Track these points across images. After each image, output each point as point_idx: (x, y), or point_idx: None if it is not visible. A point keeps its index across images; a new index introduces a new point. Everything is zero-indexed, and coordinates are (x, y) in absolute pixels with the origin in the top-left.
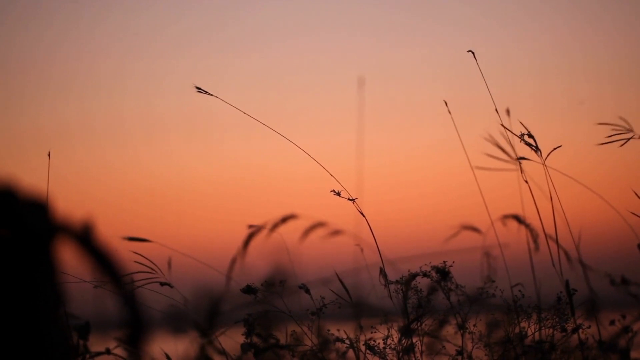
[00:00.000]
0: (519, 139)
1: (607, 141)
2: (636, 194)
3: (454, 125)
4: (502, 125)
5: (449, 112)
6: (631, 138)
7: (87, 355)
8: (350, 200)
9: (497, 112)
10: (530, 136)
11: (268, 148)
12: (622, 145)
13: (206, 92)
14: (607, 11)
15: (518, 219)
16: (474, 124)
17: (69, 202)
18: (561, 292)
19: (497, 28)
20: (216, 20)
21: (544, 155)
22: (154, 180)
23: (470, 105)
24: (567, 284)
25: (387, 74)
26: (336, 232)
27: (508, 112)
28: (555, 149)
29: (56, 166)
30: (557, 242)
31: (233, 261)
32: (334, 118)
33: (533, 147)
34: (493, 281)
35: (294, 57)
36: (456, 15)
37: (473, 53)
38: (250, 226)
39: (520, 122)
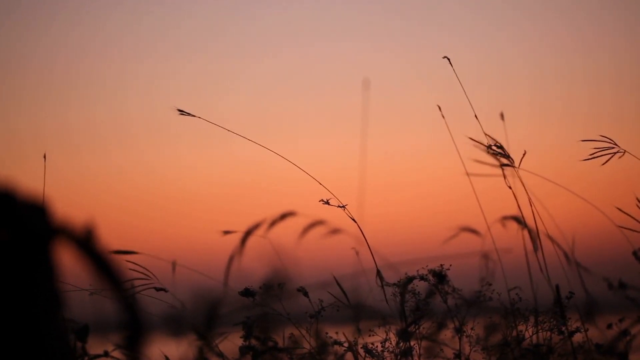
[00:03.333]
0: (487, 150)
1: (589, 157)
2: (621, 210)
3: (448, 129)
4: (487, 135)
5: (443, 117)
6: (616, 153)
7: (86, 358)
8: (341, 207)
9: (476, 118)
10: (499, 147)
11: (266, 151)
12: (604, 164)
13: (188, 114)
14: (603, 15)
15: (517, 220)
16: (469, 127)
17: (69, 204)
18: (558, 295)
19: (494, 32)
20: (220, 24)
21: (517, 163)
22: (153, 182)
23: (466, 110)
24: (557, 288)
25: (383, 78)
26: (335, 231)
27: (502, 116)
28: (523, 155)
29: (56, 168)
30: (541, 246)
31: (230, 259)
32: (336, 121)
33: (503, 156)
34: (490, 284)
35: (295, 62)
36: (454, 20)
37: (449, 59)
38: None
39: (486, 134)
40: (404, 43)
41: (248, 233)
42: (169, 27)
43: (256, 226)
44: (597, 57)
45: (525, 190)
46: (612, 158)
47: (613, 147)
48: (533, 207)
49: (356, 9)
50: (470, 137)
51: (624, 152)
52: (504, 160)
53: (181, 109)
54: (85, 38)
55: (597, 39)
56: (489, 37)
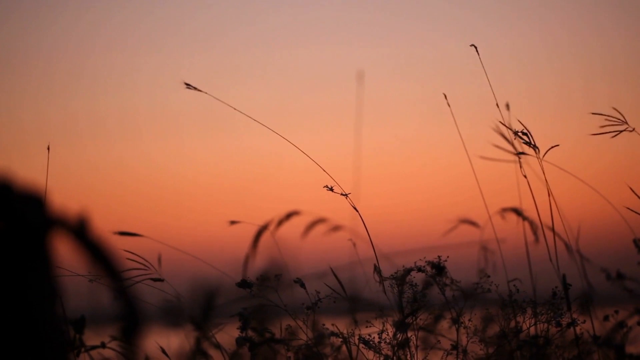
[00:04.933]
0: (515, 137)
1: (600, 132)
2: (632, 190)
3: (453, 118)
4: (502, 122)
5: (448, 105)
6: (624, 130)
7: (83, 349)
8: (344, 195)
9: (497, 106)
10: (526, 134)
11: (267, 142)
12: (614, 136)
13: (195, 88)
14: (601, 6)
15: (517, 212)
16: (470, 118)
17: (73, 195)
18: (556, 287)
19: (491, 24)
20: (225, 20)
21: (542, 152)
22: (157, 173)
23: (467, 100)
24: (563, 278)
25: (385, 69)
26: (336, 228)
27: (508, 106)
28: (552, 147)
29: (60, 160)
30: (554, 233)
31: (246, 259)
32: (334, 113)
33: (531, 145)
34: (488, 276)
35: (295, 54)
36: (451, 13)
37: (476, 48)
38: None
39: (519, 121)
40: (401, 36)
41: (259, 233)
42: (175, 21)
43: (265, 226)
44: (591, 48)
45: (547, 181)
46: (622, 137)
47: (623, 124)
48: (551, 196)
49: (356, 6)
50: (501, 121)
51: (633, 129)
52: (525, 148)
53: (188, 82)
54: (91, 29)
55: (594, 30)
56: (484, 29)
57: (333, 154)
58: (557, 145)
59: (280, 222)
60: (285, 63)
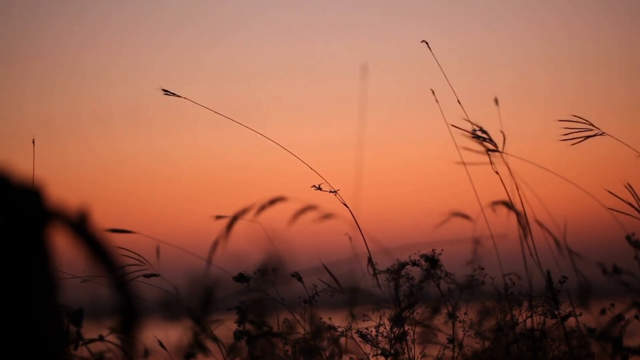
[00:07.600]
0: (471, 135)
1: (564, 138)
2: (610, 192)
3: (442, 114)
4: (454, 125)
5: (437, 101)
6: (593, 135)
7: (81, 342)
8: (332, 192)
9: (459, 102)
10: (483, 131)
11: (259, 137)
12: (575, 143)
13: (173, 94)
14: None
15: (507, 205)
16: (459, 114)
17: (60, 189)
18: (548, 278)
19: (481, 20)
20: (221, 15)
21: (500, 148)
22: (151, 168)
23: (460, 96)
24: (548, 273)
25: (376, 64)
26: (327, 216)
27: (496, 101)
28: (504, 140)
29: (45, 154)
30: (528, 225)
31: (214, 244)
32: (333, 109)
33: (487, 140)
34: (482, 268)
35: (291, 50)
36: (436, 8)
37: (427, 43)
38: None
39: (467, 119)
40: (392, 31)
41: (235, 218)
42: (177, 16)
43: (244, 211)
44: (579, 46)
45: (512, 175)
46: (593, 140)
47: (589, 129)
48: (520, 192)
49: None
50: (453, 124)
51: (602, 133)
52: (489, 146)
53: (166, 89)
54: (89, 25)
55: (584, 24)
56: (470, 24)
57: (335, 147)
58: (504, 138)
59: (262, 208)
60: (283, 55)
